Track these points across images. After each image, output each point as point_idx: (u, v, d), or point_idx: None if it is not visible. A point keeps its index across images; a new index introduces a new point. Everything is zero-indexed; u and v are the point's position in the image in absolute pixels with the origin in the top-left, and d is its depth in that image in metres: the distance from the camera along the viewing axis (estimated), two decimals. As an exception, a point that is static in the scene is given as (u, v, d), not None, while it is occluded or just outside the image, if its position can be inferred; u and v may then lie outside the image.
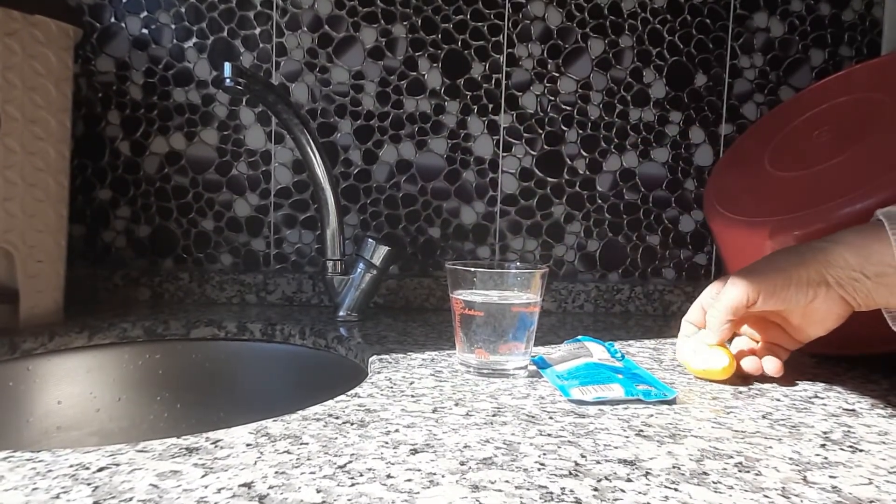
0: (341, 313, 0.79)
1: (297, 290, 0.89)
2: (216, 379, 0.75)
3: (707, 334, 0.55)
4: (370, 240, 0.80)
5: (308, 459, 0.35)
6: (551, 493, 0.32)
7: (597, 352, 0.58)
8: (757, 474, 0.35)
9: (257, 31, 0.88)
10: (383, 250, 0.80)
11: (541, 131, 0.92)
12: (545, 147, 0.92)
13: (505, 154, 0.92)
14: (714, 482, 0.34)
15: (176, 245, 0.89)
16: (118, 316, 0.76)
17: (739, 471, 0.36)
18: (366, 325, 0.77)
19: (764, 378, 0.56)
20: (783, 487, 0.34)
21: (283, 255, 0.90)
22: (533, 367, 0.57)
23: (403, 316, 0.84)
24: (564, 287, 0.91)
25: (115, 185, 0.88)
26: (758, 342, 0.58)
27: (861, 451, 0.39)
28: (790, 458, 0.38)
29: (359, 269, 0.80)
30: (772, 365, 0.54)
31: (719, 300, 0.53)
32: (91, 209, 0.88)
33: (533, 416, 0.44)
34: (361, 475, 0.34)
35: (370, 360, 0.60)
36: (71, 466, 0.33)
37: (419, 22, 0.89)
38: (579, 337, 0.64)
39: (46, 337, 0.67)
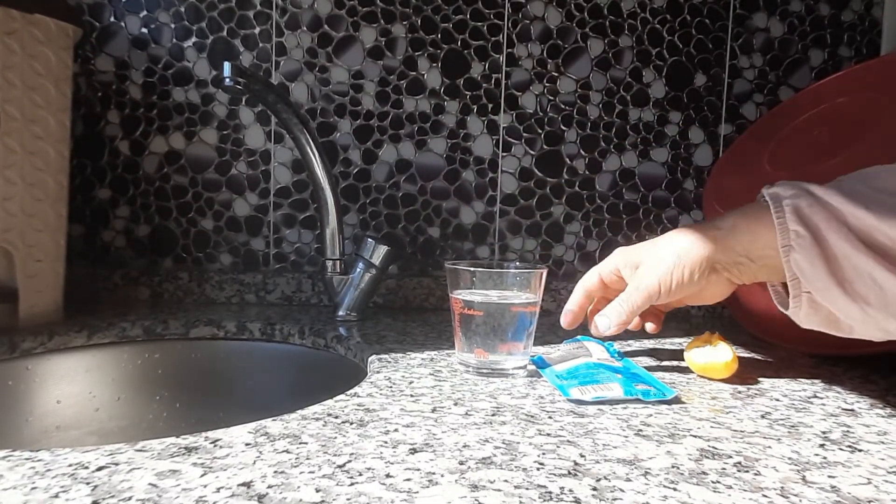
0: (340, 313, 0.79)
1: (297, 289, 0.89)
2: (215, 378, 0.75)
3: (605, 323, 0.56)
4: (369, 239, 0.80)
5: (307, 459, 0.35)
6: (550, 492, 0.32)
7: (596, 351, 0.58)
8: (756, 474, 0.35)
9: (257, 30, 0.88)
10: (383, 250, 0.80)
11: (540, 131, 0.92)
12: (545, 147, 0.92)
13: (504, 154, 0.92)
14: (713, 482, 0.34)
15: (175, 244, 0.89)
16: (117, 315, 0.76)
17: (738, 470, 0.36)
18: (365, 324, 0.77)
19: (760, 374, 0.56)
20: (782, 487, 0.34)
21: (282, 254, 0.90)
22: (532, 367, 0.57)
23: (403, 315, 0.84)
24: (564, 287, 0.91)
25: (114, 184, 0.88)
26: None
27: (860, 450, 0.40)
28: (789, 458, 0.38)
29: (358, 269, 0.80)
30: (652, 326, 0.61)
31: (624, 302, 0.55)
32: (90, 208, 0.88)
33: (532, 416, 0.44)
34: (360, 474, 0.34)
35: (369, 359, 0.60)
36: (70, 466, 0.33)
37: (419, 21, 0.89)
38: (578, 337, 0.64)
39: (46, 336, 0.67)
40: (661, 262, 0.53)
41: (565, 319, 0.60)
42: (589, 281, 0.60)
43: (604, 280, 0.59)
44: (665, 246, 0.54)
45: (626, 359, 0.60)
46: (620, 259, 0.58)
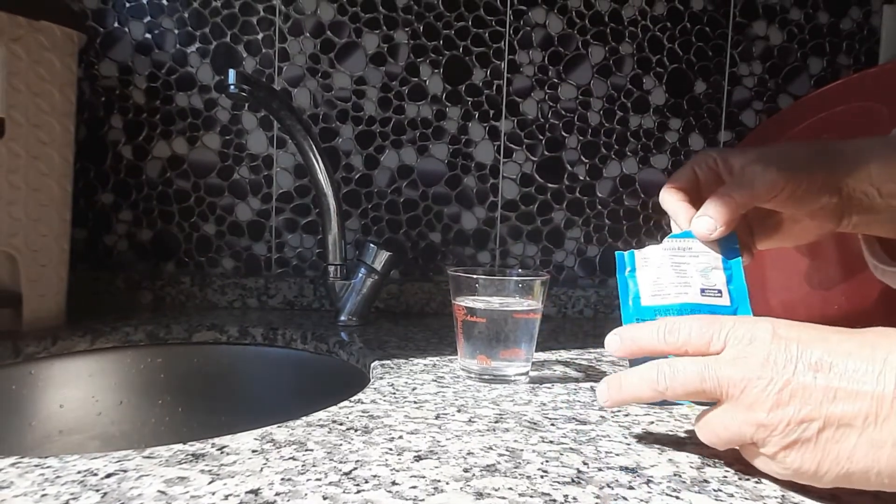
0: (342, 318, 0.80)
1: (299, 294, 0.89)
2: (218, 383, 0.75)
3: (706, 225, 0.44)
4: (371, 245, 0.80)
5: (314, 466, 0.36)
6: (554, 500, 0.33)
7: (704, 265, 0.45)
8: (757, 482, 0.36)
9: (260, 36, 0.89)
10: (384, 255, 0.80)
11: (541, 137, 0.92)
12: (546, 153, 0.92)
13: (506, 160, 0.92)
14: (715, 490, 0.34)
15: (178, 249, 0.90)
16: (121, 320, 0.77)
17: (740, 479, 0.36)
18: (367, 329, 0.77)
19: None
20: (783, 496, 0.34)
21: (284, 259, 0.91)
22: (535, 373, 0.57)
23: (404, 320, 0.84)
24: (564, 292, 0.92)
25: (117, 188, 0.89)
26: None
27: (859, 459, 0.40)
28: (789, 466, 0.38)
29: (360, 274, 0.80)
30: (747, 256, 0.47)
31: (746, 184, 0.43)
32: (93, 213, 0.89)
33: (535, 423, 0.45)
34: (367, 482, 0.34)
35: (372, 365, 0.60)
36: (79, 472, 0.34)
37: (421, 28, 0.90)
38: (689, 231, 0.46)
39: (49, 341, 0.68)
40: (794, 158, 0.44)
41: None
42: (680, 179, 0.47)
43: (698, 174, 0.47)
44: (797, 144, 0.45)
45: (739, 277, 0.44)
46: (726, 150, 0.46)
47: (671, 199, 0.47)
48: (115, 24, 0.87)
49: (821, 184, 0.43)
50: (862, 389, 0.30)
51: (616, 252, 0.47)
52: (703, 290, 0.44)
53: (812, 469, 0.32)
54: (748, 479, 0.36)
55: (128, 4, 0.87)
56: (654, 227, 0.94)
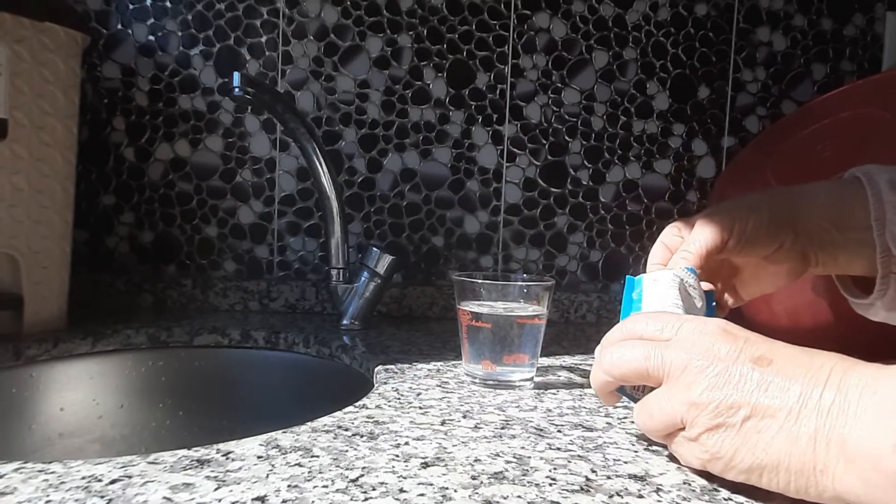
0: (345, 322, 0.79)
1: (301, 297, 0.89)
2: (219, 387, 0.75)
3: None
4: (374, 248, 0.80)
5: (320, 472, 0.35)
6: (564, 508, 0.32)
7: (698, 308, 0.47)
8: (767, 491, 0.35)
9: (263, 39, 0.89)
10: (387, 259, 0.80)
11: (544, 142, 0.92)
12: (549, 157, 0.92)
13: (509, 164, 0.92)
14: (725, 499, 0.34)
15: (179, 251, 0.89)
16: (122, 322, 0.76)
17: (750, 487, 0.36)
18: (369, 333, 0.77)
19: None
20: (793, 502, 0.34)
21: (286, 262, 0.91)
22: (539, 379, 0.57)
23: (406, 325, 0.84)
24: (567, 297, 0.92)
25: (119, 190, 0.88)
26: None
27: (868, 467, 0.40)
28: (799, 475, 0.38)
29: (363, 278, 0.80)
30: (730, 300, 0.52)
31: (690, 243, 0.47)
32: (95, 215, 0.88)
33: (541, 430, 0.44)
34: (374, 489, 0.34)
35: (375, 369, 0.60)
36: (83, 478, 0.33)
37: (425, 32, 0.90)
38: (691, 267, 0.48)
39: (50, 343, 0.67)
40: (741, 201, 0.47)
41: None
42: (655, 257, 0.52)
43: (668, 246, 0.51)
44: (747, 195, 0.48)
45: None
46: (679, 223, 0.51)
47: (656, 252, 0.51)
48: (119, 26, 0.87)
49: (768, 223, 0.46)
50: (792, 386, 0.32)
51: (627, 276, 0.49)
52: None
53: (729, 455, 0.33)
54: (758, 488, 0.36)
55: (131, 6, 0.87)
56: (657, 231, 0.94)
